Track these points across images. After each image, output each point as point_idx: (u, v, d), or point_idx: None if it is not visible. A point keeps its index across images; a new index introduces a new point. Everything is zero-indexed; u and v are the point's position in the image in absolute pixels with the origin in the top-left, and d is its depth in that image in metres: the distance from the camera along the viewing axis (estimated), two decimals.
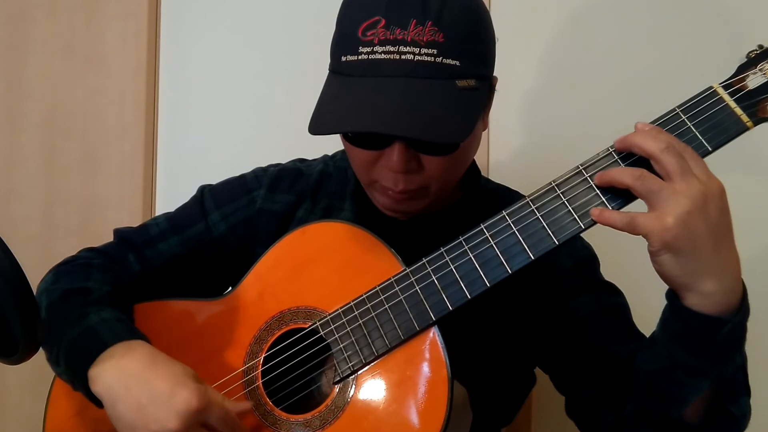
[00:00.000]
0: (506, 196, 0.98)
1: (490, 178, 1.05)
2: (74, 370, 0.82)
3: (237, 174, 1.03)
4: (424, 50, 0.75)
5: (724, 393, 0.76)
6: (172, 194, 1.57)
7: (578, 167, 0.77)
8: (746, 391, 0.78)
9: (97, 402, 0.82)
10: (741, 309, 0.71)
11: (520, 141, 1.35)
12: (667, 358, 0.74)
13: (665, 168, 0.69)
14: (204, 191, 1.00)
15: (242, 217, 0.97)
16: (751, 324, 1.21)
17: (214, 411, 0.77)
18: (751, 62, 0.76)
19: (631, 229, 0.70)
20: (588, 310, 0.75)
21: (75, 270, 0.93)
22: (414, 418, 0.77)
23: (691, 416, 0.78)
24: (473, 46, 0.78)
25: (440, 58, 0.75)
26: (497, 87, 0.87)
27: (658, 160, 0.69)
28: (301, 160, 1.04)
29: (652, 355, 0.77)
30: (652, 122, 0.76)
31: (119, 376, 0.79)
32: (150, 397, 0.76)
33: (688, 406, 0.77)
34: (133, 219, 1.55)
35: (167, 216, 1.00)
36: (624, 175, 0.71)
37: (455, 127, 0.75)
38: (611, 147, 0.76)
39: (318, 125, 0.77)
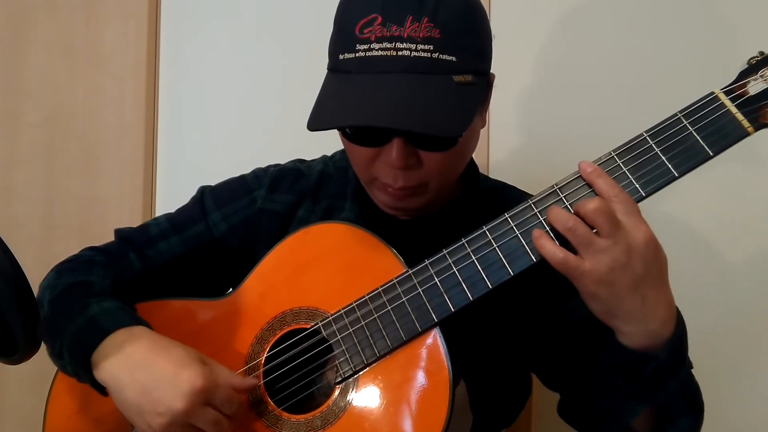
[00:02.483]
0: (506, 194, 0.98)
1: (490, 177, 1.05)
2: (77, 360, 0.83)
3: (237, 174, 1.03)
4: (420, 46, 0.75)
5: (662, 416, 0.79)
6: (172, 194, 1.57)
7: None
8: (687, 412, 0.80)
9: (102, 390, 0.82)
10: (668, 347, 0.73)
11: (521, 140, 1.36)
12: (608, 382, 0.78)
13: (596, 227, 0.70)
14: (204, 192, 1.00)
15: (243, 217, 0.97)
16: (752, 324, 1.22)
17: (219, 391, 0.78)
18: (752, 69, 0.77)
19: (562, 269, 0.72)
20: (581, 311, 0.75)
21: (77, 267, 0.94)
22: (415, 419, 0.77)
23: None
24: (470, 41, 0.79)
25: (437, 54, 0.76)
26: (498, 85, 0.87)
27: (574, 230, 0.71)
28: (301, 161, 1.04)
29: (597, 375, 0.80)
30: (655, 126, 0.76)
31: (123, 361, 0.80)
32: (154, 379, 0.77)
33: (630, 424, 0.80)
34: (133, 219, 1.55)
35: (168, 216, 1.00)
36: (558, 220, 0.72)
37: (453, 121, 0.76)
38: (614, 151, 0.77)
39: (316, 122, 0.77)
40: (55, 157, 1.62)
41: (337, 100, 0.78)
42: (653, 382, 0.75)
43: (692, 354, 0.79)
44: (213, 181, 1.03)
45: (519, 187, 1.00)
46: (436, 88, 0.76)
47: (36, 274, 0.82)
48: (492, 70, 0.85)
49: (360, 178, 0.89)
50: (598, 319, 0.75)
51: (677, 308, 0.75)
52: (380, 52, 0.76)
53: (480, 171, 0.99)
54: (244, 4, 1.55)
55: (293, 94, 1.49)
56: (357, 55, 0.77)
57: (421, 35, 0.75)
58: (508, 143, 1.36)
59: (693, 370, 0.81)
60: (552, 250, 0.72)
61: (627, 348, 0.74)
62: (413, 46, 0.75)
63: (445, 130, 0.76)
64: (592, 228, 0.71)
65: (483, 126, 0.89)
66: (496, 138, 1.36)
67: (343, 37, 0.79)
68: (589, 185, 0.75)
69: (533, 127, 1.35)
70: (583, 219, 0.71)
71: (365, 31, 0.76)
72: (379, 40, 0.76)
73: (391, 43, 0.75)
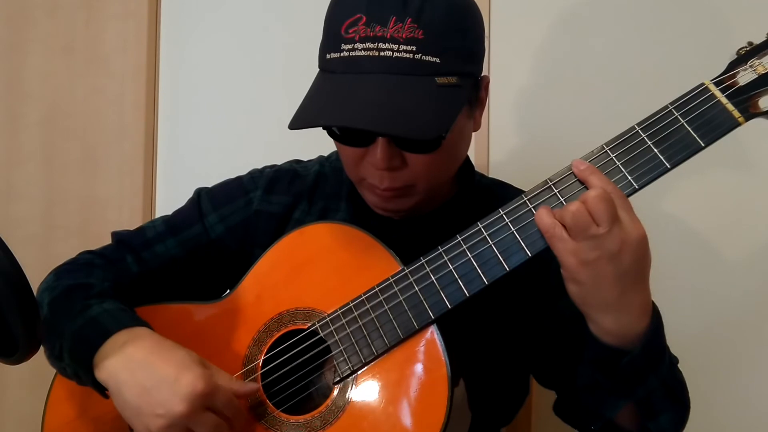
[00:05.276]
0: (503, 192, 0.98)
1: (486, 175, 1.05)
2: (78, 360, 0.83)
3: (237, 174, 1.03)
4: (403, 47, 0.75)
5: (643, 412, 0.80)
6: (172, 194, 1.57)
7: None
8: (670, 408, 0.81)
9: (103, 391, 0.82)
10: (642, 341, 0.74)
11: (520, 140, 1.36)
12: (590, 377, 0.79)
13: (595, 214, 0.70)
14: (201, 193, 1.00)
15: (240, 219, 0.97)
16: (748, 323, 1.23)
17: (219, 395, 0.78)
18: (742, 59, 0.77)
19: (549, 242, 0.73)
20: (574, 310, 0.76)
21: (77, 269, 0.94)
22: (414, 417, 0.78)
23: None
24: (456, 43, 0.78)
25: (419, 55, 0.76)
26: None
27: (576, 213, 0.71)
28: (297, 161, 1.04)
29: (580, 371, 0.81)
30: (647, 119, 0.76)
31: (124, 361, 0.80)
32: (155, 381, 0.77)
33: (614, 420, 0.82)
34: (133, 219, 1.55)
35: (164, 218, 1.00)
36: (566, 207, 0.72)
37: (431, 123, 0.76)
38: (606, 145, 0.77)
39: (298, 120, 0.77)
40: (55, 157, 1.62)
41: (319, 99, 0.79)
42: (630, 376, 0.75)
43: (687, 352, 0.79)
44: (213, 182, 1.03)
45: (518, 186, 1.00)
46: (417, 90, 0.75)
47: (36, 274, 0.82)
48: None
49: (351, 178, 0.89)
50: (573, 302, 0.75)
51: (655, 306, 0.76)
52: (363, 52, 0.76)
53: (478, 170, 0.99)
54: (244, 4, 1.55)
55: (293, 94, 1.46)
56: (342, 54, 0.77)
57: (403, 36, 0.75)
58: (507, 143, 1.36)
59: (688, 370, 0.81)
60: (548, 223, 0.72)
61: (602, 343, 0.75)
62: (396, 47, 0.75)
63: (422, 132, 0.75)
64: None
65: (477, 129, 0.89)
66: (496, 138, 1.36)
67: (329, 36, 0.80)
68: (583, 182, 0.75)
69: (533, 127, 1.35)
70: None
71: (350, 31, 0.77)
72: (362, 40, 0.76)
73: (374, 43, 0.76)
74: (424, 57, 0.76)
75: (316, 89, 0.81)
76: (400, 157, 0.80)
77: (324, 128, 0.82)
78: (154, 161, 1.60)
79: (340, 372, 0.81)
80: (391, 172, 0.81)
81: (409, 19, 0.75)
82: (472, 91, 0.84)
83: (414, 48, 0.75)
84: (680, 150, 0.75)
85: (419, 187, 0.84)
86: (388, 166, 0.80)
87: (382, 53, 0.75)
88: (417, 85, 0.75)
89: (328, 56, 0.79)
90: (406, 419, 0.78)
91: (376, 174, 0.82)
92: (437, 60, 0.76)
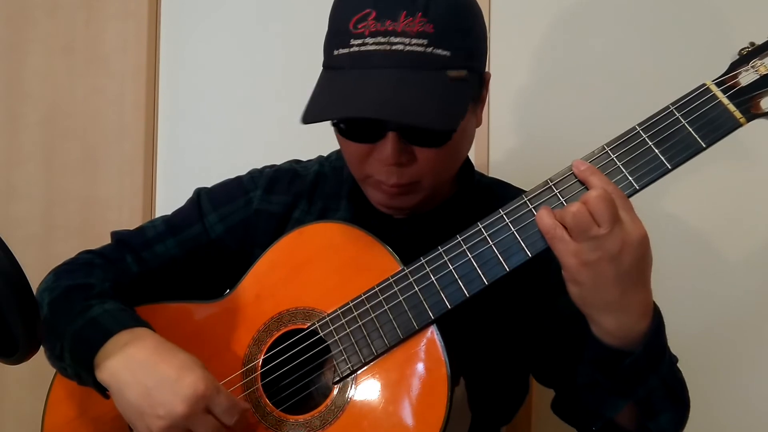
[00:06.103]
0: (503, 191, 0.98)
1: (486, 175, 1.05)
2: (79, 361, 0.83)
3: (237, 174, 1.03)
4: (414, 41, 0.76)
5: (644, 412, 0.80)
6: (172, 194, 1.57)
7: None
8: (670, 408, 0.81)
9: (104, 392, 0.82)
10: (644, 341, 0.74)
11: (520, 139, 1.36)
12: (590, 377, 0.79)
13: (596, 215, 0.70)
14: (200, 193, 1.00)
15: (240, 219, 0.97)
16: (747, 323, 1.23)
17: (220, 398, 0.78)
18: (743, 59, 0.77)
19: (550, 243, 0.73)
20: (573, 308, 0.76)
21: (76, 269, 0.94)
22: (414, 416, 0.78)
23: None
24: (463, 37, 0.79)
25: (431, 48, 0.76)
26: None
27: (577, 214, 0.70)
28: (297, 161, 1.04)
29: (581, 371, 0.81)
30: (647, 119, 0.76)
31: (125, 362, 0.80)
32: (156, 381, 0.77)
33: (614, 419, 0.82)
34: (133, 219, 1.55)
35: (164, 218, 1.00)
36: (566, 208, 0.72)
37: (443, 115, 0.76)
38: (607, 145, 0.77)
39: (308, 115, 0.77)
40: (55, 157, 1.62)
41: (330, 93, 0.79)
42: (632, 376, 0.75)
43: (687, 352, 0.79)
44: (213, 182, 1.03)
45: (518, 186, 1.00)
46: (428, 82, 0.76)
47: (36, 274, 0.82)
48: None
49: (354, 176, 0.89)
50: (575, 303, 0.75)
51: (656, 305, 0.76)
52: (374, 47, 0.76)
53: (478, 170, 0.99)
54: (244, 4, 1.55)
55: (294, 94, 1.47)
56: (351, 50, 0.77)
57: (415, 29, 0.75)
58: (507, 143, 1.36)
59: (688, 370, 0.81)
60: (549, 223, 0.72)
61: (603, 344, 0.75)
62: (407, 41, 0.75)
63: (435, 123, 0.76)
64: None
65: (478, 125, 0.89)
66: (496, 138, 1.36)
67: (337, 33, 0.80)
68: (583, 183, 0.75)
69: (533, 127, 1.35)
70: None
71: (359, 26, 0.77)
72: (373, 35, 0.76)
73: (385, 37, 0.76)
74: (435, 50, 0.76)
75: (324, 85, 0.81)
76: (409, 152, 0.81)
77: (332, 124, 0.82)
78: (154, 161, 1.60)
79: (339, 372, 0.81)
80: (399, 168, 0.81)
81: (420, 13, 0.76)
82: (478, 86, 0.84)
83: (425, 41, 0.76)
84: (681, 150, 0.75)
85: (424, 183, 0.84)
86: (398, 160, 0.80)
87: (393, 47, 0.76)
88: (428, 78, 0.76)
89: (335, 52, 0.79)
90: (406, 419, 0.78)
91: (383, 170, 0.82)
92: (448, 54, 0.77)
